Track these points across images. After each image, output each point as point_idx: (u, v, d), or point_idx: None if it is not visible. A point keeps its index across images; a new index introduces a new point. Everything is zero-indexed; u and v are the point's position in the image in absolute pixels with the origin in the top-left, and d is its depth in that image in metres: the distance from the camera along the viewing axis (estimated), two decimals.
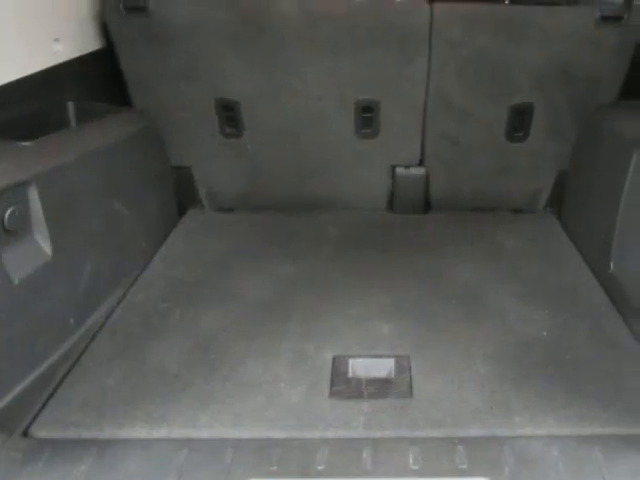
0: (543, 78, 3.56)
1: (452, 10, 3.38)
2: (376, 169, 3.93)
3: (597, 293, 3.11)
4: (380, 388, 2.45)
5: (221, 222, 3.91)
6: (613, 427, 2.25)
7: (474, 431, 2.24)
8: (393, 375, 2.53)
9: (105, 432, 2.23)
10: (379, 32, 3.40)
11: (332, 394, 2.41)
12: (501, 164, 3.89)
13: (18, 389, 2.32)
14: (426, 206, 4.05)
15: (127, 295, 3.09)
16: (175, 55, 3.43)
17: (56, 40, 3.09)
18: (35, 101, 2.95)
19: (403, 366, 2.56)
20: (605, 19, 3.33)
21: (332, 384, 2.46)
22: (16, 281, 2.31)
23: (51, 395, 2.41)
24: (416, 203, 4.01)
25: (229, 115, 3.66)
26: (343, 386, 2.46)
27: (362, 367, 2.56)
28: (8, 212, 2.30)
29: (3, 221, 2.28)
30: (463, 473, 1.95)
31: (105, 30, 3.43)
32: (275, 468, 1.96)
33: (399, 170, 3.91)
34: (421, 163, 3.89)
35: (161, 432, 2.24)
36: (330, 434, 2.22)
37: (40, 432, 2.22)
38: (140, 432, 2.24)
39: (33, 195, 2.45)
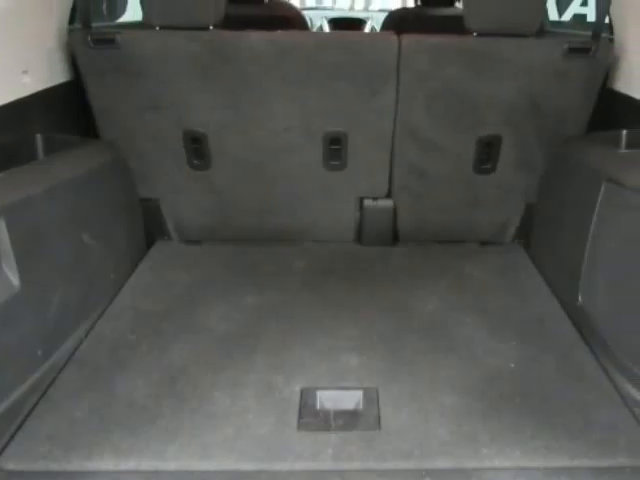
0: (511, 110, 3.57)
1: (420, 42, 3.39)
2: (344, 201, 3.93)
3: (565, 325, 3.12)
4: (348, 420, 2.45)
5: (189, 254, 3.90)
6: (581, 459, 2.27)
7: (442, 463, 2.24)
8: (361, 407, 2.53)
9: (73, 464, 2.22)
10: (347, 64, 3.40)
11: (300, 426, 2.41)
12: (469, 196, 3.90)
13: None
14: (394, 238, 4.05)
15: (95, 327, 3.07)
16: (143, 87, 3.43)
17: (24, 72, 3.08)
18: (3, 133, 2.93)
19: (371, 398, 2.57)
20: (573, 51, 3.36)
21: (300, 416, 2.46)
22: None
23: (19, 427, 2.39)
24: (384, 235, 4.01)
25: (196, 147, 3.65)
26: (311, 418, 2.46)
27: (330, 399, 2.56)
28: None
29: None
30: None
31: (73, 62, 3.42)
32: None
33: (367, 202, 3.92)
34: (389, 195, 3.89)
35: (129, 464, 2.23)
36: (298, 466, 2.22)
37: (8, 464, 2.21)
38: (108, 464, 2.23)
39: (1, 227, 2.44)
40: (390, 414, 2.47)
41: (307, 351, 2.88)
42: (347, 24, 7.84)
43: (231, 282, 3.50)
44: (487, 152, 3.72)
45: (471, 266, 3.73)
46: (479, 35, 3.36)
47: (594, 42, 3.35)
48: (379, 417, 2.46)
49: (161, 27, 3.31)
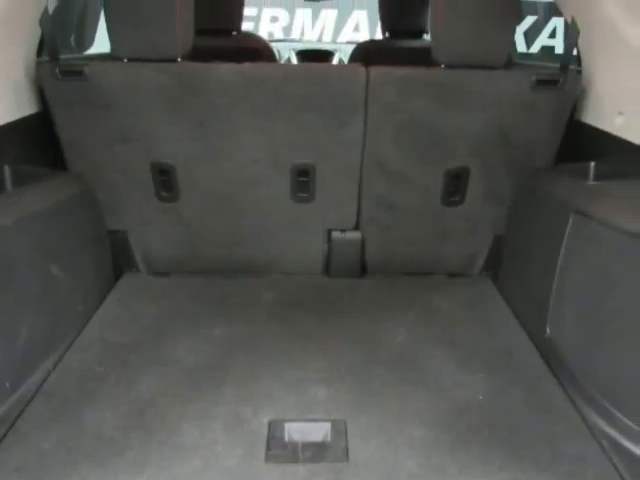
0: (480, 142, 3.58)
1: (388, 74, 3.40)
2: (312, 233, 3.93)
3: (533, 357, 3.13)
4: (316, 452, 2.45)
5: (157, 286, 3.88)
6: None
7: None
8: (329, 439, 2.52)
9: None
10: (315, 96, 3.41)
11: (268, 458, 2.40)
12: (437, 228, 3.91)
13: None
14: (362, 270, 4.05)
15: (63, 359, 3.04)
16: (111, 119, 3.42)
17: None
18: None
19: (339, 430, 2.56)
20: (541, 83, 3.37)
21: (268, 448, 2.45)
22: None
23: None
24: (352, 267, 4.01)
25: (165, 179, 3.63)
26: (279, 450, 2.45)
27: (298, 431, 2.56)
28: None
29: None
30: None
31: (41, 94, 3.42)
32: None
33: (335, 234, 3.92)
34: (357, 227, 3.89)
35: None
36: None
37: None
38: None
39: None
40: (358, 446, 2.47)
41: (275, 383, 2.88)
42: (315, 56, 7.86)
43: (199, 314, 3.49)
44: (455, 184, 3.72)
45: (439, 298, 3.73)
46: (447, 67, 3.37)
47: (562, 74, 3.37)
48: (347, 449, 2.45)
49: (129, 59, 3.31)
